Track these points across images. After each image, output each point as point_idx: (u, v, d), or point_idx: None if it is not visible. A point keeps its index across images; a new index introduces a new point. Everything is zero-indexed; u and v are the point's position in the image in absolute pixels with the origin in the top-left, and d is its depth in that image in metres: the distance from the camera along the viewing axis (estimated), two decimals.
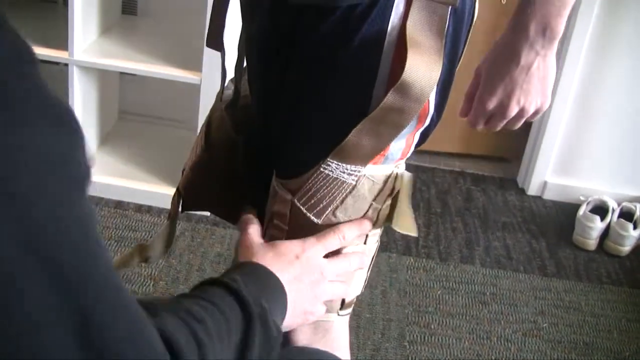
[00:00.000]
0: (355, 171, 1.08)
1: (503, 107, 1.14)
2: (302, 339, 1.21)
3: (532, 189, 3.20)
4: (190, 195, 1.35)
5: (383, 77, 1.04)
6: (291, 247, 1.05)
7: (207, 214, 2.72)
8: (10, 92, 0.54)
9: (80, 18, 2.48)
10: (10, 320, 0.54)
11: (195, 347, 0.76)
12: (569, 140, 3.08)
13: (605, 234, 2.90)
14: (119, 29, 2.82)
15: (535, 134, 3.18)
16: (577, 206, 3.02)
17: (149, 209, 2.71)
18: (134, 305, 0.64)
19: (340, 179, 1.08)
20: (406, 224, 1.15)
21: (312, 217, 1.11)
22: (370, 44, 1.04)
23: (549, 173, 3.17)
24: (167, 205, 1.24)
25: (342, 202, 1.10)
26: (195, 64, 2.49)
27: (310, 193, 1.10)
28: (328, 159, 1.08)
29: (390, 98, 1.02)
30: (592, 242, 2.87)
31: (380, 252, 2.66)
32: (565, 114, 3.03)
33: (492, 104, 1.14)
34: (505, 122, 1.17)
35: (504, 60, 1.11)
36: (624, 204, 3.00)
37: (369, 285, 2.49)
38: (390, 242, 2.74)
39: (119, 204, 2.72)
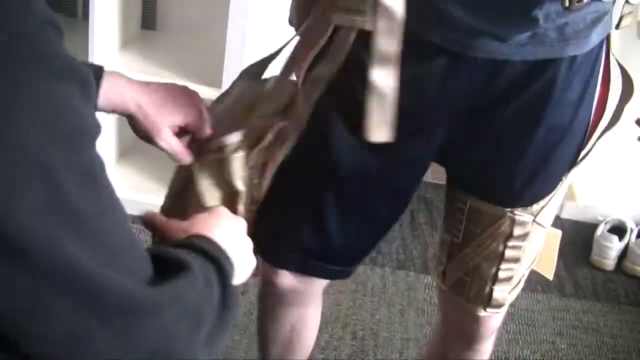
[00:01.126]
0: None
1: None
2: None
3: None
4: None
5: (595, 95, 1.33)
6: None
7: None
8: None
9: (101, 32, 2.48)
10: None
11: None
12: (588, 159, 3.06)
13: (624, 254, 2.88)
14: (138, 44, 2.83)
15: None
16: (594, 226, 2.99)
17: None
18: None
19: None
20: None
21: (546, 227, 1.44)
22: (592, 72, 1.29)
23: (566, 192, 3.15)
24: None
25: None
26: (214, 80, 2.49)
27: (548, 209, 1.41)
28: (565, 175, 1.39)
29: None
30: (610, 263, 2.85)
31: (397, 270, 2.66)
32: None
33: None
34: None
35: None
36: None
37: (387, 304, 2.48)
38: (407, 261, 2.73)
39: (138, 219, 2.70)
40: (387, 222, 1.49)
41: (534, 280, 2.68)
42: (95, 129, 0.66)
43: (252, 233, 1.09)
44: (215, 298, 0.83)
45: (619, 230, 2.93)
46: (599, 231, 2.91)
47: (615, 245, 2.83)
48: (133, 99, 1.17)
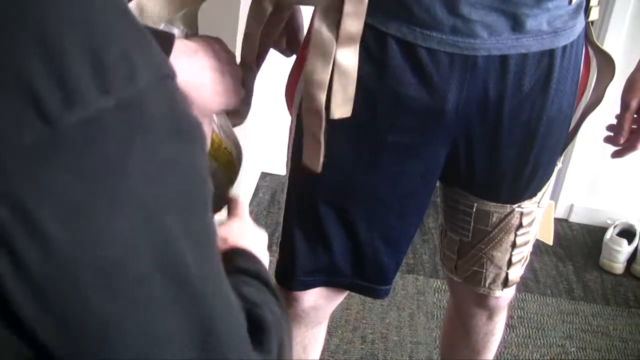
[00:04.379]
0: None
1: None
2: None
3: (559, 212, 3.18)
4: None
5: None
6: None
7: None
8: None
9: None
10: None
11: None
12: (596, 163, 3.07)
13: (633, 257, 2.88)
14: None
15: (561, 156, 3.16)
16: (604, 229, 3.01)
17: None
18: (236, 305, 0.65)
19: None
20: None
21: (545, 206, 1.50)
22: (578, 64, 1.32)
23: (575, 196, 3.16)
24: None
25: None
26: None
27: (545, 194, 1.46)
28: (559, 160, 1.45)
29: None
30: (619, 266, 2.85)
31: (407, 274, 2.67)
32: (593, 136, 3.01)
33: None
34: None
35: None
36: None
37: (397, 307, 2.49)
38: (417, 265, 2.74)
39: None
40: (406, 235, 1.49)
41: (543, 284, 2.70)
42: (210, 192, 0.61)
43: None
44: (284, 327, 0.82)
45: (628, 233, 2.94)
46: (608, 235, 2.92)
47: (624, 249, 2.83)
48: None
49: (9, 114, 0.46)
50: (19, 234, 0.48)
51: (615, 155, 1.48)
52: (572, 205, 3.17)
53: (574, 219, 3.18)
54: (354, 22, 1.15)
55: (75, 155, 0.49)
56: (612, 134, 1.46)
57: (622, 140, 1.43)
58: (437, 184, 1.45)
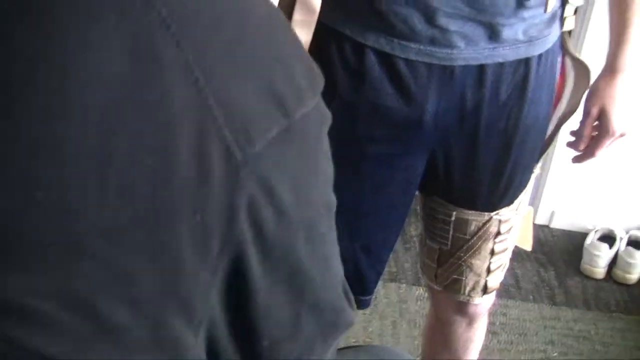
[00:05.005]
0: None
1: (629, 128, 1.43)
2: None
3: (540, 218, 3.20)
4: None
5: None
6: None
7: None
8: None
9: None
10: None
11: None
12: (576, 170, 3.07)
13: (614, 262, 2.90)
14: None
15: (542, 162, 3.18)
16: (584, 235, 3.02)
17: None
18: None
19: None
20: None
21: (523, 212, 1.52)
22: (554, 72, 1.34)
23: (556, 202, 3.17)
24: None
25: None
26: None
27: (523, 201, 1.48)
28: (535, 167, 1.47)
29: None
30: (600, 271, 2.87)
31: (389, 282, 2.67)
32: None
33: (625, 127, 1.41)
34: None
35: (628, 90, 1.40)
36: (632, 232, 3.00)
37: (379, 316, 2.49)
38: (399, 273, 2.74)
39: None
40: (387, 244, 1.50)
41: (525, 290, 2.71)
42: None
43: None
44: None
45: (608, 238, 2.96)
46: (588, 240, 2.93)
47: (605, 254, 2.85)
48: None
49: (264, 113, 0.58)
50: (263, 205, 0.58)
51: (575, 160, 1.51)
52: (553, 212, 3.18)
53: (554, 224, 3.19)
54: (302, 32, 1.16)
55: (300, 140, 0.61)
56: (574, 138, 1.48)
57: (582, 147, 1.46)
58: (417, 193, 1.47)
